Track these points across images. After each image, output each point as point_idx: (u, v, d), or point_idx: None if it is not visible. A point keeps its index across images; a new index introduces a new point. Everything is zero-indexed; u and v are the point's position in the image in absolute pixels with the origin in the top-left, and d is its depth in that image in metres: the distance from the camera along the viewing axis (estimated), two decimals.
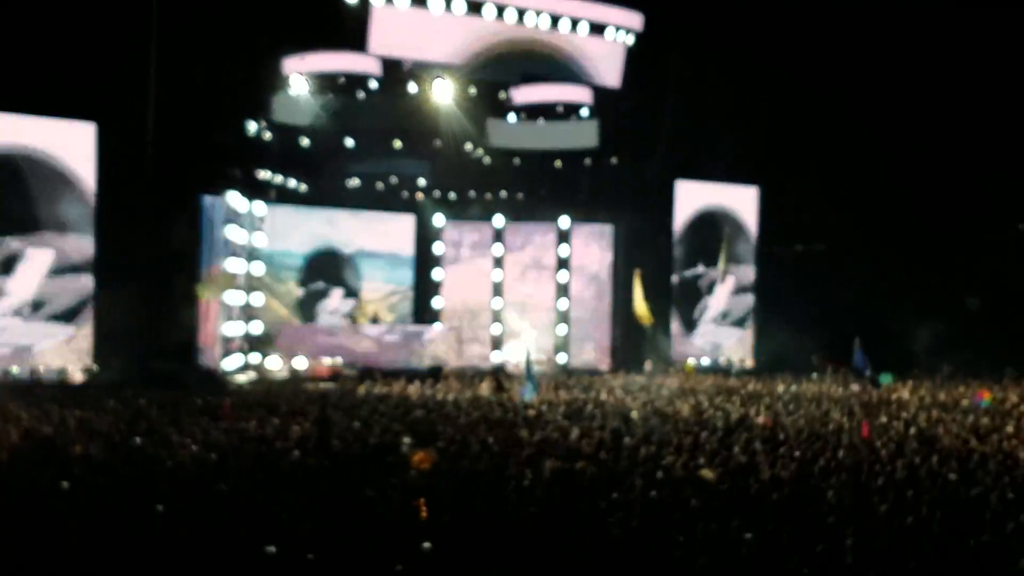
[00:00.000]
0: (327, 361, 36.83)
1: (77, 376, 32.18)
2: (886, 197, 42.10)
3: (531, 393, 25.05)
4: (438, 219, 43.13)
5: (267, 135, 37.12)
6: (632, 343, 40.44)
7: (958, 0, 38.69)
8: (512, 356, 40.15)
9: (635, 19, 38.41)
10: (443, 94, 37.32)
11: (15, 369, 31.62)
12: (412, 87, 37.68)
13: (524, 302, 42.97)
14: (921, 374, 35.28)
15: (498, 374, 35.32)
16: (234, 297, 36.00)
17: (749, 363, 43.81)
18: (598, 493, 13.26)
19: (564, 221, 42.93)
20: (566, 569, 9.82)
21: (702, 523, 11.28)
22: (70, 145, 32.95)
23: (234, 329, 36.30)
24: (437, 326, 41.43)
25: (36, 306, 32.51)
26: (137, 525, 11.05)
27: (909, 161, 40.88)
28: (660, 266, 41.97)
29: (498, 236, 43.30)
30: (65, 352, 32.71)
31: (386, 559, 10.12)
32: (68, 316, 32.86)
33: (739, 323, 44.67)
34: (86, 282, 32.99)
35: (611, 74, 38.83)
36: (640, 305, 34.47)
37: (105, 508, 11.82)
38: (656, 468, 15.28)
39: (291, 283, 40.66)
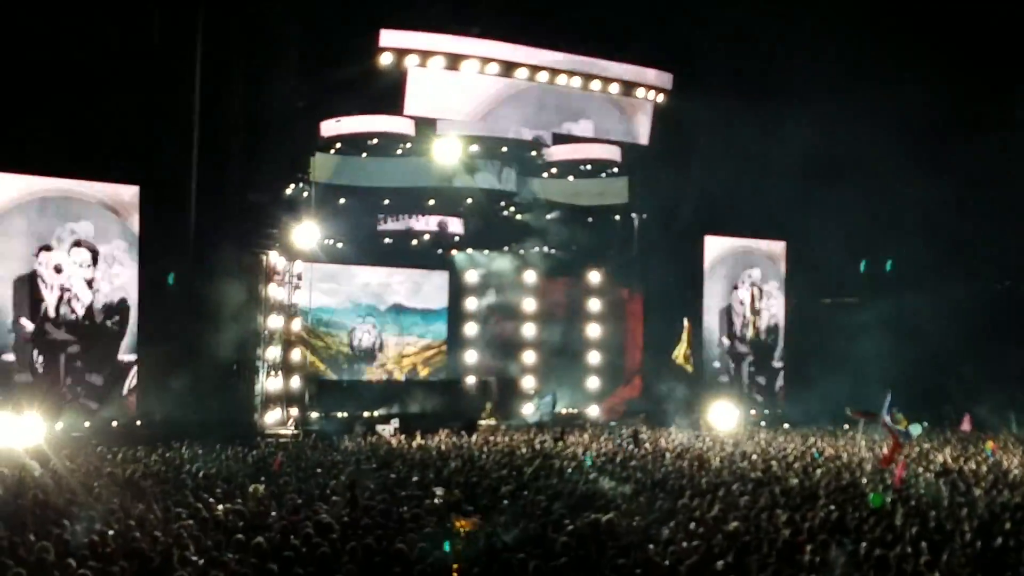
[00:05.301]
0: None
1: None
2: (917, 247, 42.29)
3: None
4: (471, 275, 44.03)
5: (305, 195, 37.95)
6: (662, 397, 40.43)
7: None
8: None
9: (665, 79, 39.11)
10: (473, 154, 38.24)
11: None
12: (445, 147, 38.47)
13: (556, 354, 43.62)
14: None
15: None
16: (273, 353, 36.54)
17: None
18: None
19: (594, 276, 43.69)
20: None
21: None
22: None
23: (273, 385, 36.80)
24: (470, 379, 42.05)
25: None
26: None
27: (942, 208, 40.91)
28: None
29: (529, 291, 44.11)
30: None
31: None
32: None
33: (768, 376, 44.80)
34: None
35: (641, 132, 39.51)
36: (682, 352, 34.82)
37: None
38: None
39: (329, 339, 41.60)
